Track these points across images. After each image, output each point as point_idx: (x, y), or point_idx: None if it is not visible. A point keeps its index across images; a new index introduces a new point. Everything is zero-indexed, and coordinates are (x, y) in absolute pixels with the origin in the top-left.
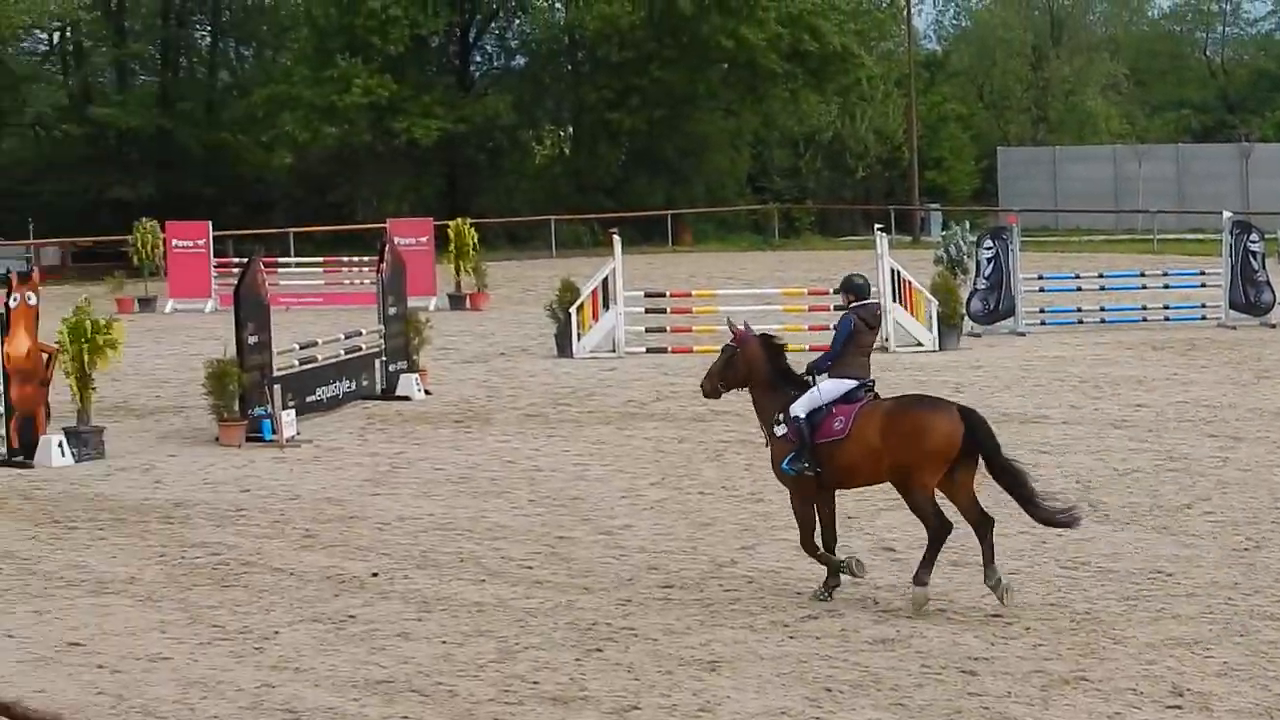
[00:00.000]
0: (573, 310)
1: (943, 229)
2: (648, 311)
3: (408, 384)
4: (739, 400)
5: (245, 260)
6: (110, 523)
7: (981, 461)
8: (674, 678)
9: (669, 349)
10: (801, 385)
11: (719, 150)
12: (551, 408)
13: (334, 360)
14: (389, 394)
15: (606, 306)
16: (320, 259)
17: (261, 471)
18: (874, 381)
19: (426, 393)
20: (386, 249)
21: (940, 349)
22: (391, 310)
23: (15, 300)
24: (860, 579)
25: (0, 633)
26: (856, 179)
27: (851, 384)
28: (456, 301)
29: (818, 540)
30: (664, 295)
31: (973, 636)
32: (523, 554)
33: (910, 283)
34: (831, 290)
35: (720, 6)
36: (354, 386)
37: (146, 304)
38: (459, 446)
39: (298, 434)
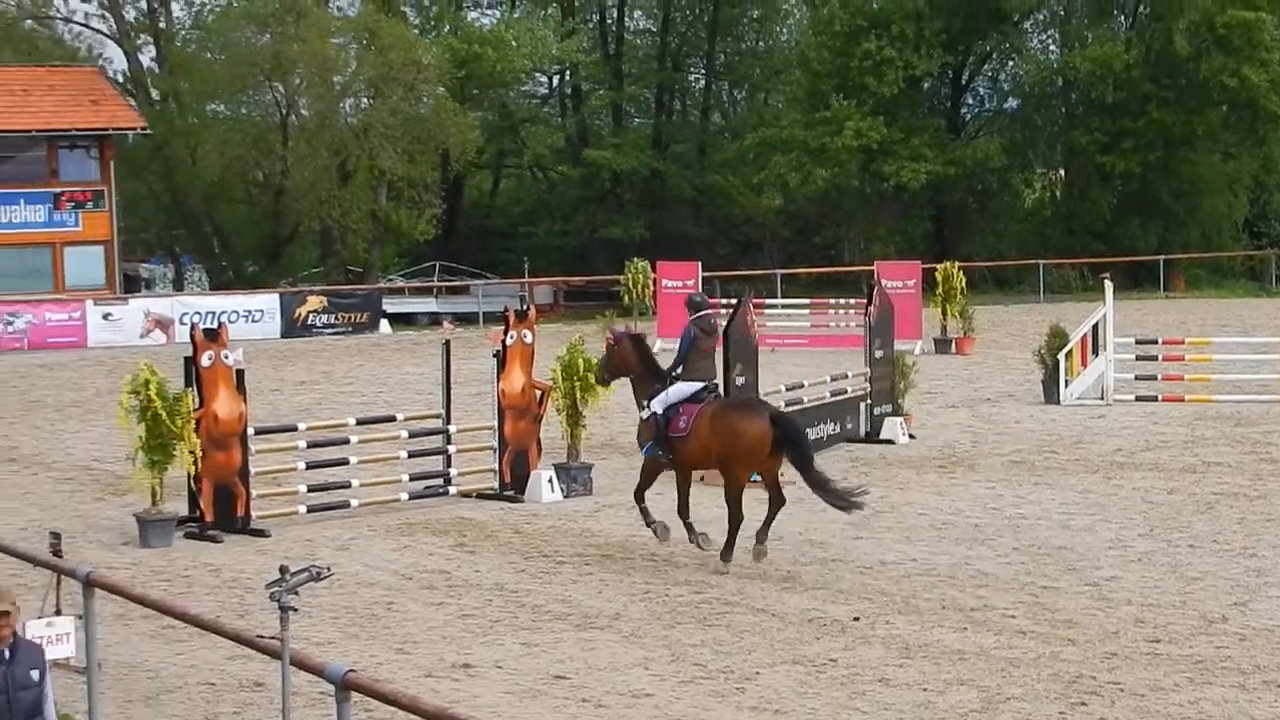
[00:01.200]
0: (1061, 356)
1: None
2: (1138, 359)
3: (892, 427)
4: (1232, 453)
5: (733, 300)
6: (597, 558)
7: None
8: None
9: (1159, 397)
10: (665, 377)
11: (1215, 194)
12: (1037, 455)
13: (818, 402)
14: (873, 437)
15: (1096, 353)
16: (807, 300)
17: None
18: (717, 384)
19: (911, 436)
20: (874, 291)
21: None
22: (878, 353)
23: (512, 338)
24: (663, 542)
25: (490, 663)
26: None
27: (698, 386)
28: (942, 345)
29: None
30: (1155, 342)
31: None
32: (1006, 603)
33: None
34: None
35: (1221, 46)
36: (838, 429)
37: None
38: (942, 492)
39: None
